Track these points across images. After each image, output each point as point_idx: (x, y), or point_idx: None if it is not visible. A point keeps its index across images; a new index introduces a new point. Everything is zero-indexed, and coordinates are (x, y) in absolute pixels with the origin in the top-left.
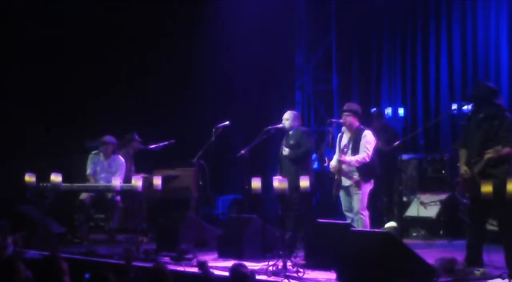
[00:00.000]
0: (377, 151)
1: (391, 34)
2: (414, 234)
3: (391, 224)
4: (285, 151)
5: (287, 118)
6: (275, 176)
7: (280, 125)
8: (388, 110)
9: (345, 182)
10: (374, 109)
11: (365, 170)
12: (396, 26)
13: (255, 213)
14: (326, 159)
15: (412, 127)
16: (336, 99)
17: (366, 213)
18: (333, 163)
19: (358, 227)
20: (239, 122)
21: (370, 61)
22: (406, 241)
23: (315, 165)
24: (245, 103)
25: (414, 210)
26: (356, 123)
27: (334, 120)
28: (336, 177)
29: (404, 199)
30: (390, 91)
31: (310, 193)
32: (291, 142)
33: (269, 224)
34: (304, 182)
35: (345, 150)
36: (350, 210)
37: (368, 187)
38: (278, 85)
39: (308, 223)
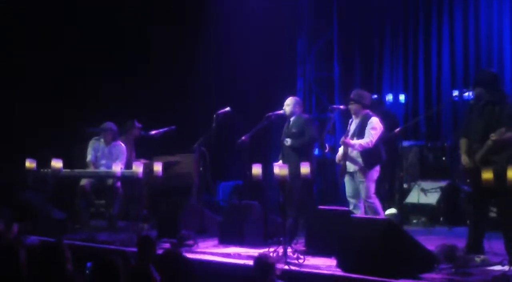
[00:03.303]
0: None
1: (393, 21)
2: (415, 221)
3: (391, 211)
4: (287, 141)
5: (288, 104)
6: (276, 162)
7: (281, 111)
8: (389, 97)
9: (350, 167)
10: (375, 96)
11: (369, 156)
12: (398, 13)
13: (256, 200)
14: (327, 145)
15: (413, 114)
16: (337, 86)
17: (374, 200)
18: (339, 152)
19: (368, 214)
20: (241, 108)
21: (372, 48)
22: (407, 228)
23: (316, 152)
24: (247, 90)
25: (414, 197)
26: (362, 110)
27: (335, 106)
28: (341, 162)
29: (405, 185)
30: (392, 78)
31: (311, 180)
32: (293, 129)
33: (270, 210)
34: (305, 169)
35: (348, 133)
36: (354, 196)
37: (374, 174)
38: (280, 72)
39: (309, 209)
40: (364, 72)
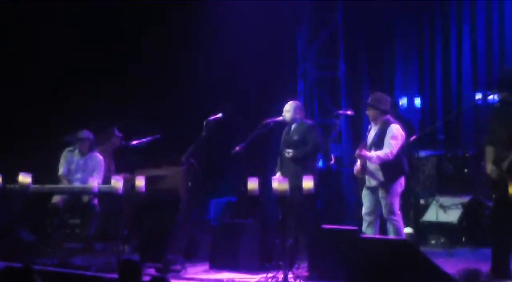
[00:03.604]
0: None
1: (406, 15)
2: (433, 242)
3: (407, 230)
4: (288, 153)
5: (288, 109)
6: (275, 175)
7: (280, 118)
8: (403, 101)
9: (371, 181)
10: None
11: (389, 169)
12: (411, 5)
13: (251, 218)
14: (332, 156)
15: (430, 119)
16: (344, 88)
17: (397, 218)
18: (357, 165)
19: (390, 233)
20: (234, 115)
21: (382, 44)
22: (424, 249)
23: (320, 163)
24: (241, 93)
25: (432, 214)
26: (380, 116)
27: (341, 112)
28: (359, 175)
29: (421, 201)
30: (406, 79)
31: (314, 195)
32: (295, 137)
33: (267, 230)
34: (308, 182)
35: (366, 142)
36: (371, 212)
37: (397, 188)
38: (278, 73)
39: (312, 229)
40: (374, 72)
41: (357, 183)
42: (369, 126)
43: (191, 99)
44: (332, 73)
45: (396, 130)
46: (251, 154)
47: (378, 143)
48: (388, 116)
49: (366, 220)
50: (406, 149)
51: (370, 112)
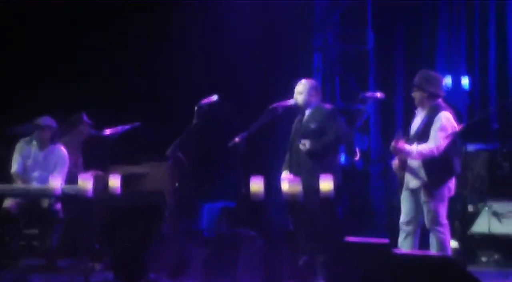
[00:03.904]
0: None
1: None
2: (484, 259)
3: (451, 244)
4: (304, 144)
5: (301, 91)
6: (284, 174)
7: (291, 101)
8: (447, 80)
9: (412, 181)
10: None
11: (434, 168)
12: None
13: (254, 228)
14: (357, 150)
15: (481, 104)
16: (372, 65)
17: (445, 229)
18: (395, 160)
19: (432, 248)
20: (233, 97)
21: (422, 10)
22: (472, 268)
23: (342, 159)
24: (242, 71)
25: (484, 225)
26: (429, 100)
27: (368, 94)
28: (400, 173)
29: (469, 208)
30: (450, 54)
31: (334, 199)
32: (312, 125)
33: (275, 243)
34: (326, 183)
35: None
36: (411, 221)
37: (444, 192)
38: (289, 44)
39: (331, 242)
40: (411, 45)
41: (397, 182)
42: (416, 111)
43: (179, 78)
44: (358, 46)
45: (445, 119)
46: (254, 147)
47: (423, 134)
48: (439, 101)
49: (403, 230)
50: (459, 144)
51: (416, 94)
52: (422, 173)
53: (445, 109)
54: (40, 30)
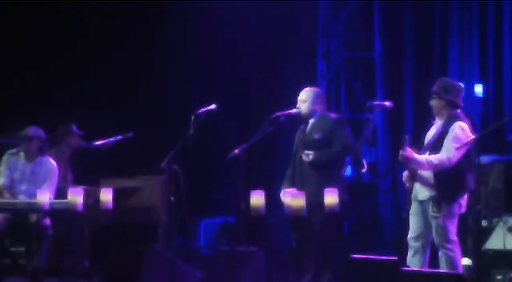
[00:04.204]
0: None
1: None
2: (499, 277)
3: (464, 261)
4: (308, 155)
5: (305, 99)
6: (287, 188)
7: (294, 110)
8: None
9: (421, 193)
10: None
11: (446, 181)
12: None
13: (255, 245)
14: (364, 162)
15: (495, 113)
16: (380, 72)
17: (454, 246)
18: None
19: (442, 266)
20: (232, 106)
21: (432, 15)
22: None
23: (348, 171)
24: (242, 78)
25: (498, 241)
26: (446, 109)
27: (376, 103)
28: (408, 186)
29: (483, 223)
30: (462, 61)
31: (340, 214)
32: (316, 136)
33: (277, 261)
34: (331, 197)
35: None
36: (419, 236)
37: (454, 209)
38: (292, 51)
39: (337, 259)
40: (420, 51)
41: (405, 196)
42: (433, 122)
43: (176, 86)
44: (364, 53)
45: (460, 130)
46: (255, 159)
47: (437, 144)
48: (458, 112)
49: (412, 246)
50: (474, 157)
51: (433, 103)
52: (432, 185)
53: (462, 120)
54: (30, 35)
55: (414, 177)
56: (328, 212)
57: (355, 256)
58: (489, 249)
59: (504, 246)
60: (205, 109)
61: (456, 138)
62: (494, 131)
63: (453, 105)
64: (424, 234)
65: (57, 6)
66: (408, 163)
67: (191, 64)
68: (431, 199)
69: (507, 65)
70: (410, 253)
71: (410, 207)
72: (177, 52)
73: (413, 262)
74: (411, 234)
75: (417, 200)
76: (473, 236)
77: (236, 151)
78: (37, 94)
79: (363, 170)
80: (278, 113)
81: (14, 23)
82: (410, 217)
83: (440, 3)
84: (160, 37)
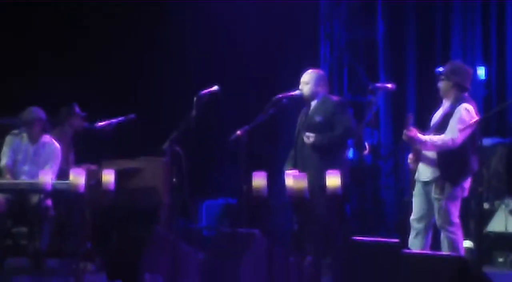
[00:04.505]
0: None
1: None
2: (500, 260)
3: (465, 243)
4: (309, 137)
5: (307, 81)
6: (289, 169)
7: (296, 92)
8: (480, 72)
9: (424, 174)
10: (440, 69)
11: (450, 162)
12: None
13: (257, 227)
14: (366, 144)
15: (498, 96)
16: (382, 54)
17: (456, 229)
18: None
19: (444, 248)
20: (234, 88)
21: None
22: (488, 269)
23: (350, 154)
24: (245, 60)
25: (500, 223)
26: (454, 92)
27: (378, 85)
28: (414, 166)
29: (486, 205)
30: (465, 43)
31: (342, 197)
32: (317, 118)
33: (278, 243)
34: (333, 179)
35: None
36: (422, 217)
37: (457, 191)
38: (294, 32)
39: (338, 242)
40: (423, 34)
41: (408, 178)
42: (441, 104)
43: (178, 68)
44: (367, 35)
45: (465, 111)
46: (257, 141)
47: (442, 126)
48: (465, 94)
49: (414, 228)
50: (479, 139)
51: (442, 84)
52: (436, 165)
53: (465, 102)
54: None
55: (418, 159)
56: (330, 195)
57: (357, 238)
58: (490, 232)
59: (505, 229)
60: (207, 90)
61: (461, 120)
62: (497, 114)
63: (460, 88)
64: (427, 215)
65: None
66: (412, 142)
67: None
68: (434, 180)
69: (509, 48)
70: (412, 234)
71: (413, 189)
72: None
73: (415, 244)
74: (413, 215)
75: (420, 181)
76: (475, 218)
77: (238, 132)
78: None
79: (365, 152)
80: (280, 95)
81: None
82: (413, 198)
83: None
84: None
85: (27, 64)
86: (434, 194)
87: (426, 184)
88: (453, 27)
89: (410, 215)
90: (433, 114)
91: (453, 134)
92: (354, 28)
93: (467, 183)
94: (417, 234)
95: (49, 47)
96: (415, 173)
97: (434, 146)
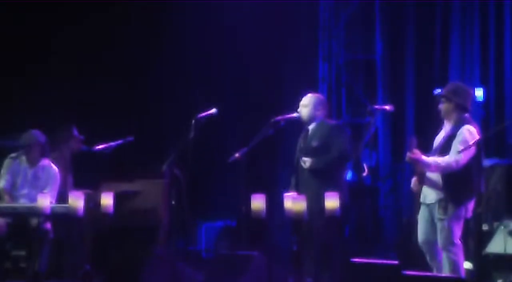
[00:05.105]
0: None
1: None
2: (500, 281)
3: (465, 264)
4: (306, 162)
5: (306, 103)
6: (288, 191)
7: (295, 114)
8: (478, 93)
9: (429, 196)
10: (439, 90)
11: (455, 184)
12: None
13: (256, 249)
14: (365, 166)
15: (496, 117)
16: (381, 75)
17: (457, 250)
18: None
19: (445, 269)
20: (233, 110)
21: (434, 18)
22: None
23: (349, 176)
24: (242, 82)
25: (499, 244)
26: (456, 113)
27: (377, 107)
28: (415, 188)
29: (484, 227)
30: (463, 64)
31: (340, 218)
32: (314, 143)
33: (277, 264)
34: (332, 201)
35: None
36: (429, 240)
37: (461, 212)
38: (293, 53)
39: (337, 263)
40: (422, 54)
41: (407, 201)
42: (442, 126)
43: (176, 90)
44: (366, 55)
45: (468, 133)
46: (256, 163)
47: (445, 148)
48: (466, 116)
49: (426, 251)
50: (482, 161)
51: (443, 106)
52: (441, 188)
53: (470, 123)
54: (30, 35)
55: (422, 181)
56: (328, 216)
57: (356, 260)
58: (490, 253)
59: (505, 250)
60: (205, 113)
61: (464, 142)
62: (495, 134)
63: (462, 108)
64: (433, 238)
65: (57, 6)
66: (416, 165)
67: (191, 64)
68: (439, 202)
69: (508, 69)
70: (428, 259)
71: (418, 212)
72: (177, 52)
73: (434, 266)
74: (420, 239)
75: (425, 204)
76: (474, 239)
77: (237, 154)
78: (37, 94)
79: (364, 174)
80: (279, 118)
81: (14, 23)
82: (418, 220)
83: (441, 6)
84: (160, 37)
85: (27, 87)
86: (437, 214)
87: (430, 206)
88: (452, 48)
89: (411, 235)
90: (435, 136)
91: (457, 156)
92: (352, 49)
93: (471, 204)
94: (430, 257)
95: (47, 71)
96: (419, 196)
97: (438, 168)
